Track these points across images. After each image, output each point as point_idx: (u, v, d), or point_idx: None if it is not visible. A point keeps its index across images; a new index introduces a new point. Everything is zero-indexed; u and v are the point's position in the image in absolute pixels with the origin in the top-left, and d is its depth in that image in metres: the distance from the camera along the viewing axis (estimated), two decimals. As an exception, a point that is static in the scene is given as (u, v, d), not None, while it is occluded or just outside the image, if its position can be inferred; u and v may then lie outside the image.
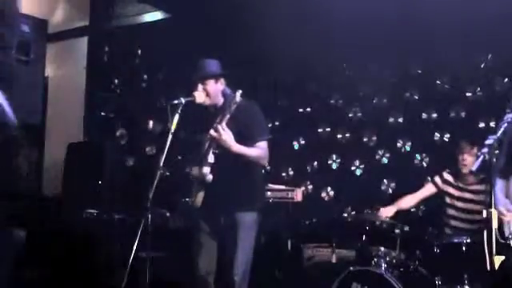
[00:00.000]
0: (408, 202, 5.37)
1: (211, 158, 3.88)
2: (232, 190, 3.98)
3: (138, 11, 7.62)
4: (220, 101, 4.14)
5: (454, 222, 5.15)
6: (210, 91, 4.08)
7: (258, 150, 3.99)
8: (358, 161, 6.59)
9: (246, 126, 3.94)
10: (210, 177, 3.87)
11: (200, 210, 4.02)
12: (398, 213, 5.30)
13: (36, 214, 6.55)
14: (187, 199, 4.11)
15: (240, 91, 3.78)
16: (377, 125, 6.52)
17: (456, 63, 5.96)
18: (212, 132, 3.79)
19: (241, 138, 3.88)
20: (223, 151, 3.87)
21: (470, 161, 4.99)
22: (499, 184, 4.00)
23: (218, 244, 4.10)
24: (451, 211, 5.19)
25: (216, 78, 4.11)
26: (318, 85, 6.89)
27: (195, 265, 4.08)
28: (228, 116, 3.76)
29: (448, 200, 5.21)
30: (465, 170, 5.06)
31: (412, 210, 5.92)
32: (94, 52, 7.66)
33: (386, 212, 5.21)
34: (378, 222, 5.37)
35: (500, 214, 3.84)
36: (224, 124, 3.76)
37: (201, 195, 3.96)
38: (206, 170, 3.88)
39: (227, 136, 3.77)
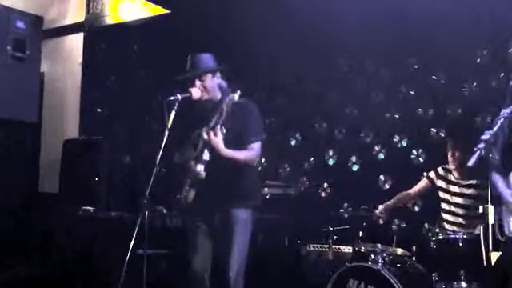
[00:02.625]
0: (405, 198, 5.40)
1: (206, 155, 3.90)
2: (227, 187, 3.99)
3: (135, 7, 7.60)
4: (217, 95, 4.14)
5: (449, 217, 5.17)
6: (208, 86, 4.09)
7: (247, 153, 4.04)
8: (355, 157, 6.58)
9: (240, 126, 3.97)
10: (203, 174, 3.88)
11: (193, 207, 4.02)
12: (396, 209, 5.32)
13: (32, 212, 6.54)
14: (178, 196, 4.10)
15: (239, 92, 3.83)
16: (373, 121, 6.51)
17: (452, 59, 5.95)
18: (204, 135, 3.85)
19: (235, 137, 3.93)
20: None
21: (457, 156, 5.05)
22: (501, 179, 3.96)
23: (213, 241, 4.11)
24: (446, 206, 5.21)
25: (213, 72, 4.12)
26: (314, 81, 6.88)
27: (190, 262, 4.07)
28: (223, 117, 3.81)
29: (443, 195, 5.23)
30: (452, 166, 5.11)
31: (408, 205, 5.94)
32: (90, 49, 7.63)
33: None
34: (374, 219, 5.37)
35: (509, 204, 3.77)
36: (217, 127, 3.81)
37: (193, 191, 3.96)
38: (200, 166, 3.89)
39: (217, 141, 3.81)
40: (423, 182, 5.40)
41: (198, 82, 4.06)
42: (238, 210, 4.05)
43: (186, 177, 4.01)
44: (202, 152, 3.91)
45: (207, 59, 4.17)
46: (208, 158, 3.89)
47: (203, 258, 4.08)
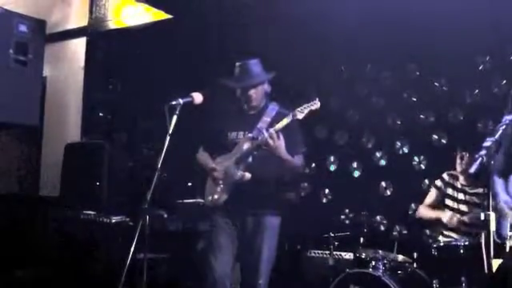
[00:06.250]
0: (425, 212, 5.31)
1: (250, 158, 3.93)
2: (262, 192, 3.96)
3: (137, 12, 7.61)
4: (263, 102, 4.15)
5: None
6: (260, 94, 4.11)
7: (299, 161, 4.06)
8: (356, 163, 6.58)
9: (288, 139, 3.93)
10: (249, 175, 3.89)
11: (221, 210, 4.00)
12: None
13: (34, 215, 6.53)
14: (209, 198, 4.07)
15: (300, 112, 3.87)
16: (375, 127, 6.52)
17: (454, 65, 5.95)
18: (268, 137, 3.80)
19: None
20: (261, 154, 3.90)
21: (465, 160, 5.04)
22: (499, 182, 3.98)
23: (237, 245, 4.04)
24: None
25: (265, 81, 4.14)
26: (315, 86, 6.88)
27: (212, 265, 3.97)
28: (279, 127, 3.83)
29: (449, 202, 5.20)
30: (459, 169, 5.09)
31: (410, 212, 5.93)
32: (92, 52, 7.64)
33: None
34: (375, 225, 5.36)
35: (502, 210, 3.82)
36: (278, 132, 3.82)
37: (226, 194, 3.95)
38: (241, 169, 3.91)
39: (281, 144, 3.83)
40: (432, 192, 5.33)
41: (252, 90, 4.06)
42: (270, 216, 4.03)
43: (220, 178, 3.99)
44: (247, 155, 3.93)
45: (257, 66, 4.17)
46: (251, 161, 3.91)
47: (226, 261, 3.98)
